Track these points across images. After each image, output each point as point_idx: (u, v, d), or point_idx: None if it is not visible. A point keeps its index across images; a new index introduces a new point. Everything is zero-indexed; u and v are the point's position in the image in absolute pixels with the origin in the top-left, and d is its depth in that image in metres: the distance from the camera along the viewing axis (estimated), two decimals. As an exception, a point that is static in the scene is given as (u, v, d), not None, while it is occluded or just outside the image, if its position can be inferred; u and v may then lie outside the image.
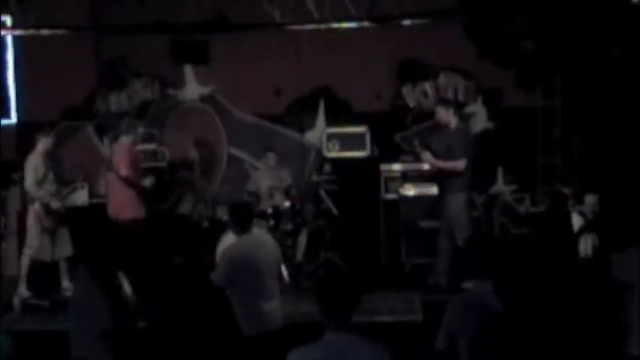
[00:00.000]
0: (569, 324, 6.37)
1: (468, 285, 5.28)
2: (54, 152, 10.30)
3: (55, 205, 9.92)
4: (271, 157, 11.39)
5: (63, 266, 10.11)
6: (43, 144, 10.04)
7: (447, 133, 9.88)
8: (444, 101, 10.88)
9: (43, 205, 9.81)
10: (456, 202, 9.59)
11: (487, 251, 5.24)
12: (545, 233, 9.38)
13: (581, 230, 8.50)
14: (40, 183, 9.82)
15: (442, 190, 9.85)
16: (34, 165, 9.88)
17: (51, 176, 9.99)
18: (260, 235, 7.08)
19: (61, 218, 10.07)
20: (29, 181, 9.82)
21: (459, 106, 11.19)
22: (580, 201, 9.21)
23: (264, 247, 6.61)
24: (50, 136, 10.14)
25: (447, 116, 9.90)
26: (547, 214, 10.61)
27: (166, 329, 7.93)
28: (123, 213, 9.90)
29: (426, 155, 9.83)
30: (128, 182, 9.92)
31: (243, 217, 6.67)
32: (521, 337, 5.00)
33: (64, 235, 10.13)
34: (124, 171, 9.91)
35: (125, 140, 10.19)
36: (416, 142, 10.00)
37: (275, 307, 6.45)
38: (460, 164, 9.62)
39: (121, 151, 10.09)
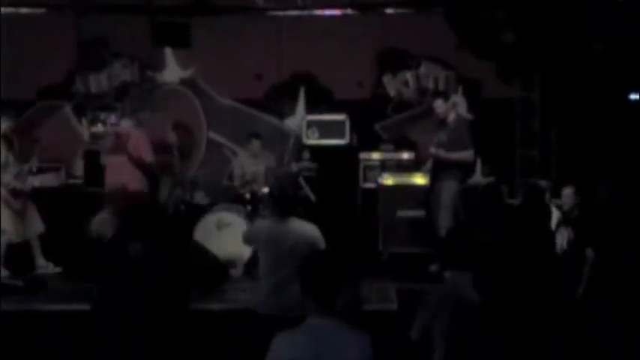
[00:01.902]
0: (542, 317, 6.39)
1: (446, 274, 5.29)
2: (27, 132, 10.21)
3: (22, 186, 9.88)
4: (256, 143, 11.33)
5: (35, 244, 10.08)
6: (1, 126, 9.94)
7: (447, 125, 10.00)
8: (441, 94, 10.93)
9: (9, 189, 9.76)
10: (449, 191, 9.72)
11: (467, 242, 5.25)
12: (519, 225, 9.41)
13: (559, 224, 8.53)
14: (3, 166, 9.76)
15: (435, 180, 9.97)
16: None
17: (11, 158, 9.92)
18: (294, 222, 6.92)
19: (28, 197, 10.05)
20: None
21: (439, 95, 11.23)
22: (557, 195, 9.25)
23: (289, 234, 6.56)
24: (10, 120, 10.05)
25: (446, 109, 10.05)
26: (522, 206, 10.64)
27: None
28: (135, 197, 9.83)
29: (440, 151, 9.92)
30: (149, 168, 9.96)
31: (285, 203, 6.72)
32: (496, 328, 5.02)
33: (33, 213, 10.09)
34: (149, 157, 9.94)
35: (128, 125, 10.13)
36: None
37: (288, 293, 6.37)
38: (469, 154, 9.88)
39: (141, 137, 10.05)
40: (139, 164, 9.88)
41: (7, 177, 9.77)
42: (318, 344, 4.10)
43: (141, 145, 9.97)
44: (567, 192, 8.83)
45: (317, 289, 4.21)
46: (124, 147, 9.91)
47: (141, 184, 9.95)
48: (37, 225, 10.09)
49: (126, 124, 10.16)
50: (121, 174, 9.83)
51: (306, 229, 6.68)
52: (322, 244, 6.61)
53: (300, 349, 4.12)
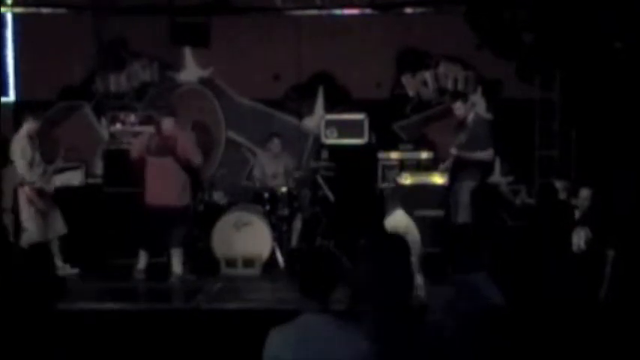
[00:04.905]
0: (562, 315, 6.37)
1: (457, 276, 5.19)
2: (47, 132, 10.25)
3: (46, 186, 9.94)
4: (276, 142, 11.37)
5: (55, 245, 10.12)
6: (27, 126, 9.99)
7: (466, 125, 10.03)
8: (460, 95, 10.93)
9: (34, 188, 9.81)
10: (468, 191, 9.73)
11: (488, 240, 5.19)
12: (534, 226, 9.41)
13: (575, 224, 8.49)
14: (30, 165, 9.81)
15: (454, 180, 9.98)
16: (21, 148, 9.85)
17: (37, 157, 9.97)
18: (397, 215, 7.03)
19: (52, 198, 10.11)
20: (21, 165, 9.80)
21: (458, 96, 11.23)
22: (575, 194, 9.22)
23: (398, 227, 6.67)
24: (37, 120, 10.10)
25: (465, 111, 10.09)
26: (536, 206, 10.64)
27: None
28: (182, 200, 9.96)
29: (461, 152, 9.98)
30: (198, 169, 10.11)
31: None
32: (518, 329, 4.95)
33: (56, 214, 10.14)
34: (198, 158, 10.02)
35: (172, 125, 9.99)
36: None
37: None
38: (489, 154, 9.98)
39: (189, 138, 10.17)
40: (187, 167, 9.91)
41: (33, 176, 9.83)
42: (307, 340, 4.10)
43: (190, 147, 10.02)
44: (584, 194, 8.79)
45: (310, 285, 4.22)
46: (171, 149, 9.86)
47: (186, 186, 10.00)
48: (59, 226, 10.14)
49: (169, 125, 9.99)
50: (167, 176, 9.84)
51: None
52: None
53: (290, 344, 4.12)
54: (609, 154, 10.82)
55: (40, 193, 9.90)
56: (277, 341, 4.17)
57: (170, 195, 9.80)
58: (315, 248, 4.65)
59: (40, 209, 9.91)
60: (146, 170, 9.96)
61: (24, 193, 9.86)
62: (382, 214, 6.08)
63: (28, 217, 9.84)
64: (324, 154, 11.85)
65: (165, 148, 9.86)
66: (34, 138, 10.03)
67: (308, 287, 4.22)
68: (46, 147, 10.60)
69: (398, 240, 5.79)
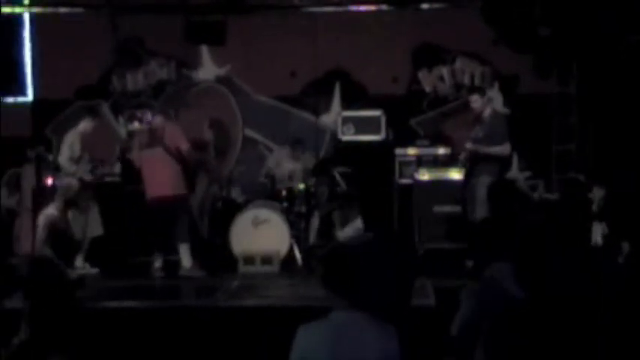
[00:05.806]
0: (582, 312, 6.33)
1: (486, 270, 5.17)
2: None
3: (89, 178, 10.04)
4: (299, 149, 11.46)
5: (85, 245, 10.18)
6: (84, 125, 10.18)
7: (483, 120, 10.01)
8: (478, 90, 10.92)
9: (77, 180, 9.93)
10: (485, 186, 9.70)
11: (504, 230, 5.18)
12: (557, 220, 9.36)
13: (592, 218, 8.48)
14: (75, 161, 9.92)
15: (471, 175, 9.96)
16: (70, 142, 10.03)
17: (86, 156, 10.10)
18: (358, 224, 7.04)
19: (94, 196, 10.24)
20: (64, 157, 9.94)
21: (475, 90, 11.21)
22: (590, 189, 9.20)
23: None
24: (93, 120, 10.29)
25: (482, 104, 10.07)
26: (561, 201, 10.59)
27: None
28: (176, 189, 10.03)
29: (477, 146, 9.97)
30: (187, 158, 10.08)
31: None
32: (540, 325, 4.93)
33: (95, 215, 10.23)
34: (185, 146, 10.04)
35: (160, 119, 10.26)
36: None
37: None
38: (506, 149, 9.97)
39: (175, 128, 10.22)
40: (177, 156, 9.98)
41: (73, 168, 9.95)
42: (336, 336, 4.14)
43: (177, 137, 10.09)
44: (599, 193, 8.77)
45: (338, 283, 4.23)
46: (159, 140, 10.00)
47: (179, 176, 10.05)
48: (96, 228, 10.23)
49: (159, 120, 10.27)
50: (159, 167, 9.93)
51: None
52: None
53: (319, 341, 4.15)
54: (626, 149, 10.79)
55: (82, 186, 10.02)
56: (311, 337, 4.19)
57: (163, 184, 9.92)
58: (336, 247, 4.63)
59: (80, 204, 10.03)
60: (141, 166, 10.13)
61: None
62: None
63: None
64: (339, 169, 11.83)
65: (154, 139, 10.06)
66: (88, 136, 10.19)
67: (338, 285, 4.22)
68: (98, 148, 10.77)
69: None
